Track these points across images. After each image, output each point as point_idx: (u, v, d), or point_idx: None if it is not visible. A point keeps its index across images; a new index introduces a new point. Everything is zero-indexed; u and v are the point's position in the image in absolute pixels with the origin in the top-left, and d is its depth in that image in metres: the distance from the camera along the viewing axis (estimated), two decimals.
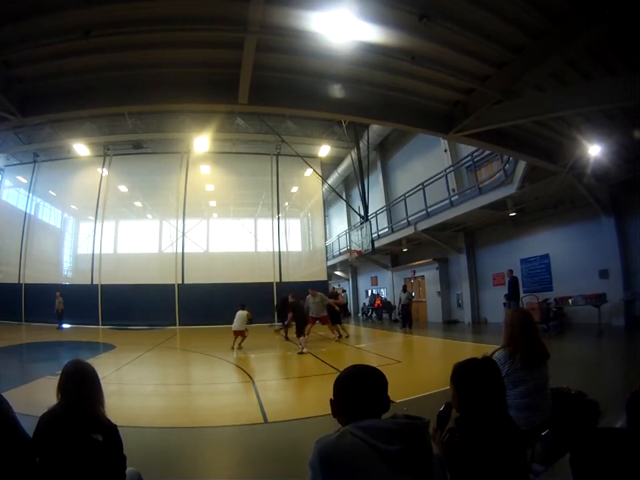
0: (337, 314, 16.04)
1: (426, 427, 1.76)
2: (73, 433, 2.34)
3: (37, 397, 5.95)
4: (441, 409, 2.43)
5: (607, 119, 9.58)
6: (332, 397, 1.84)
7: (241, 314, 13.76)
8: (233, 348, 13.30)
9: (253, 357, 12.33)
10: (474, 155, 16.21)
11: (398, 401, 5.68)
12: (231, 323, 13.66)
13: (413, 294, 23.03)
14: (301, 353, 12.17)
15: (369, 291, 32.82)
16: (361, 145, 21.85)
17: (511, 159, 13.27)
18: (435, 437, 2.24)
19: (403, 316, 20.26)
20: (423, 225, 19.63)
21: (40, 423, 2.41)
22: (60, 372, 2.61)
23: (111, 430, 2.52)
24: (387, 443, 1.58)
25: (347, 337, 15.33)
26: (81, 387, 2.50)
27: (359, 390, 1.80)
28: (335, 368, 9.39)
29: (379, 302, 27.98)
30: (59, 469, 2.28)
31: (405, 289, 21.16)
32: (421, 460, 1.65)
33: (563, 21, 6.22)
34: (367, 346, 13.82)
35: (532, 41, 6.77)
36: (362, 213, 19.76)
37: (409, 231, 20.91)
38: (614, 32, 6.42)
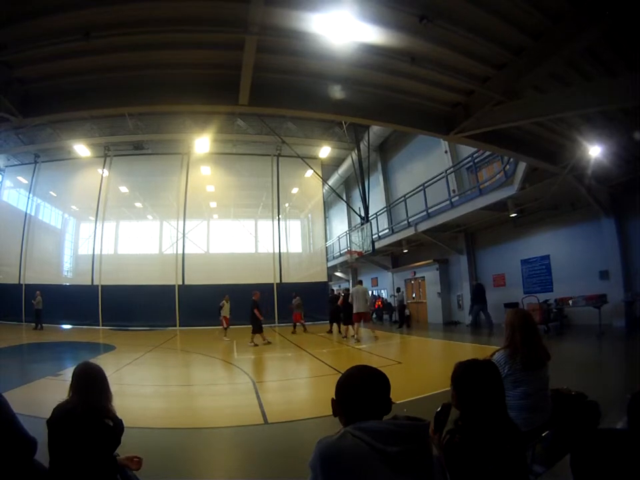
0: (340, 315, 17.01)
1: (426, 428, 1.77)
2: (85, 419, 2.51)
3: (37, 397, 5.97)
4: (438, 409, 2.44)
5: (608, 120, 9.58)
6: (334, 397, 1.84)
7: None
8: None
9: (253, 358, 12.32)
10: (474, 156, 16.22)
11: (398, 402, 5.67)
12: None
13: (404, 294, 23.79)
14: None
15: (370, 292, 32.77)
16: (362, 146, 21.89)
17: (511, 160, 13.28)
18: (434, 438, 2.24)
19: (400, 316, 21.17)
20: (423, 226, 19.65)
21: (54, 411, 2.57)
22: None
23: (116, 422, 2.68)
24: (387, 444, 1.59)
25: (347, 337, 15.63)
26: (90, 388, 2.66)
27: (360, 391, 1.80)
28: (334, 369, 9.39)
29: (380, 303, 28.00)
30: (71, 451, 2.43)
31: (398, 290, 22.38)
32: (422, 461, 1.65)
33: (562, 21, 6.23)
34: (368, 347, 13.79)
35: (532, 41, 6.78)
36: (362, 214, 19.77)
37: (410, 232, 20.93)
38: (614, 32, 6.42)
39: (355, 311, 15.27)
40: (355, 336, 14.99)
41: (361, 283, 16.72)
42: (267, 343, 14.53)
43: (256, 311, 14.88)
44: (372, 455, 1.57)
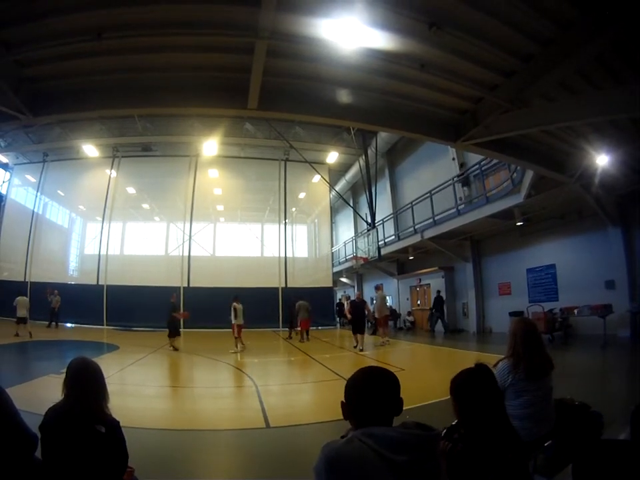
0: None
1: (437, 438, 1.74)
2: (77, 424, 2.40)
3: (39, 394, 5.98)
4: (453, 423, 2.44)
5: (616, 129, 9.54)
6: (343, 400, 1.83)
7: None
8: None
9: (256, 361, 12.32)
10: (482, 163, 16.17)
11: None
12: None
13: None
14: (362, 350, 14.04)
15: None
16: (369, 152, 21.87)
17: (518, 168, 13.24)
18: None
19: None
20: (429, 233, 19.60)
21: (46, 415, 2.47)
22: (63, 371, 2.65)
23: (114, 425, 2.58)
24: (395, 453, 1.55)
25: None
26: (85, 384, 2.55)
27: (368, 393, 1.76)
28: (337, 374, 9.38)
29: None
30: (63, 459, 2.33)
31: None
32: (429, 472, 1.62)
33: (572, 29, 6.22)
34: (371, 353, 13.76)
35: (541, 49, 6.77)
36: (369, 220, 19.76)
37: (416, 238, 20.91)
38: (623, 40, 6.40)
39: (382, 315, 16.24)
40: (382, 340, 15.85)
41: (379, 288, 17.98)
42: (175, 349, 14.34)
43: (175, 314, 15.19)
44: (379, 462, 1.53)
